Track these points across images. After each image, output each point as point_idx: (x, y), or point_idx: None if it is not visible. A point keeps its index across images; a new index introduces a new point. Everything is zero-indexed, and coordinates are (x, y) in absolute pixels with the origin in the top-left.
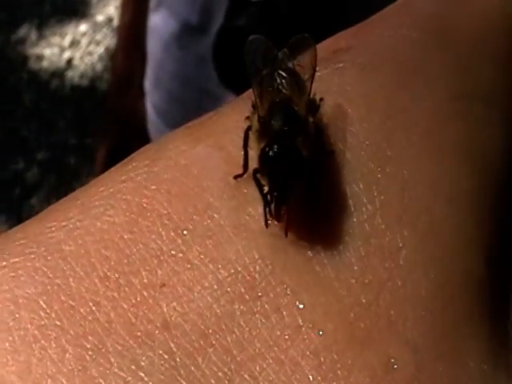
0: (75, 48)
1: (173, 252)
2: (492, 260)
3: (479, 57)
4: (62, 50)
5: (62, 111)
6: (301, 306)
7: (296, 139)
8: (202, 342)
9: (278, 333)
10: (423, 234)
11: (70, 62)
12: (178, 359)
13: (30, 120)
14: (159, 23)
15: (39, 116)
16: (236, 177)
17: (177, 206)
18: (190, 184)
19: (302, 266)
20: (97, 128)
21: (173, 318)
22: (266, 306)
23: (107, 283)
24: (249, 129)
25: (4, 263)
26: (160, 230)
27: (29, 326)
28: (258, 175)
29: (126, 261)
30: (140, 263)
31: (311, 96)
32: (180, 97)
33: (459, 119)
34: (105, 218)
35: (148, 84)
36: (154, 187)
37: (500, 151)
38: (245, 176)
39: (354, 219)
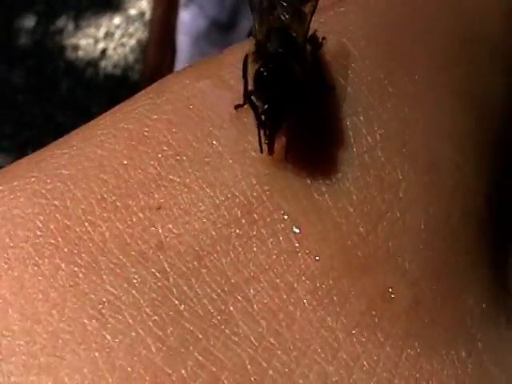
0: (109, 39)
1: (170, 176)
2: (492, 199)
3: (487, 5)
4: (97, 41)
5: (96, 98)
6: (297, 231)
7: (291, 62)
8: (195, 263)
9: (274, 257)
10: (423, 169)
11: (104, 52)
12: (171, 279)
13: (66, 106)
14: (189, 19)
15: (75, 102)
16: (237, 107)
17: (177, 134)
18: (191, 114)
19: (300, 193)
20: None
21: (168, 239)
22: (263, 230)
23: (104, 205)
24: (247, 57)
25: (4, 186)
26: (159, 156)
27: (24, 244)
28: (253, 97)
29: (123, 184)
30: (138, 187)
31: (313, 33)
32: None
33: (463, 62)
34: (105, 146)
35: None
36: (155, 117)
37: (500, 99)
38: (245, 106)
39: (354, 150)
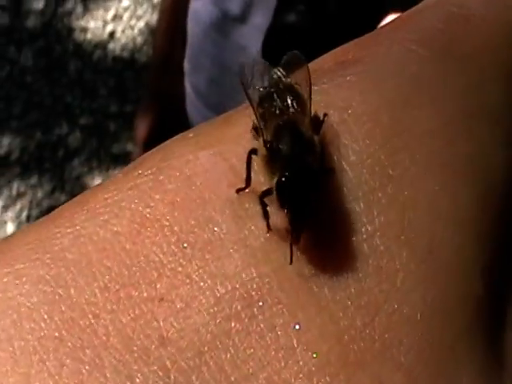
0: (117, 22)
1: (172, 265)
2: (491, 281)
3: (486, 75)
4: (106, 23)
5: (104, 80)
6: (296, 327)
7: (307, 161)
8: (196, 360)
9: (273, 353)
10: (422, 257)
11: (112, 34)
12: (172, 376)
13: (74, 88)
14: (200, 9)
15: (83, 84)
16: (238, 191)
17: (179, 218)
18: (192, 195)
19: (299, 286)
20: (136, 96)
21: (169, 334)
22: (262, 325)
23: (107, 295)
24: (252, 152)
25: (9, 269)
26: (161, 241)
27: (29, 336)
28: (266, 199)
29: (126, 272)
30: (140, 275)
31: (314, 112)
32: (219, 80)
33: (464, 139)
34: (108, 227)
35: (188, 65)
36: (157, 197)
37: (503, 172)
38: (246, 190)
39: (353, 239)
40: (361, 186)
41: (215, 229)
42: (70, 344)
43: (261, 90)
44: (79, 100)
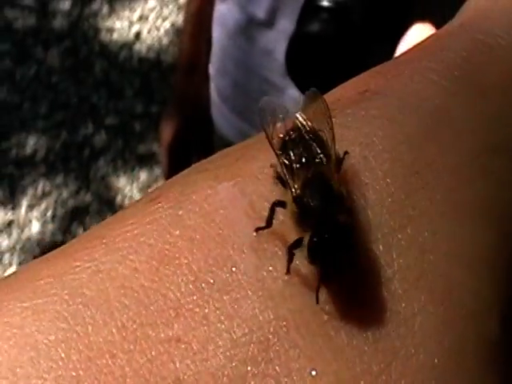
0: (143, 22)
1: (190, 306)
2: (507, 322)
3: (508, 108)
4: (131, 23)
5: (129, 81)
6: (313, 373)
7: (339, 219)
8: None
9: None
10: (439, 300)
11: (138, 35)
12: None
13: (100, 88)
14: (225, 13)
15: (108, 84)
16: (257, 229)
17: (197, 256)
18: (212, 233)
19: (316, 330)
20: (162, 97)
21: (186, 377)
22: (278, 369)
23: (124, 334)
24: (278, 204)
25: (27, 304)
26: (179, 280)
27: (47, 375)
28: (295, 250)
29: (144, 311)
30: (158, 315)
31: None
32: (244, 85)
33: (483, 176)
34: (127, 263)
35: (213, 69)
36: (177, 233)
37: None
38: (265, 230)
39: (372, 283)
40: (380, 226)
41: (233, 269)
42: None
43: (282, 136)
44: (105, 100)
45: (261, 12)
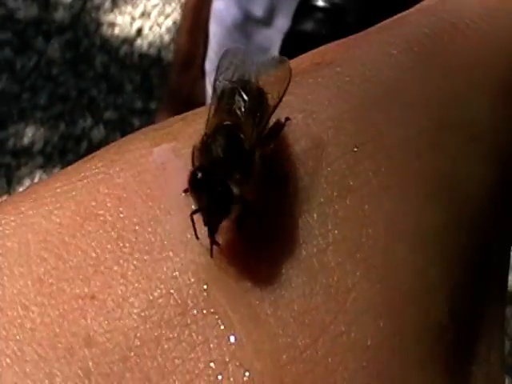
0: (145, 19)
1: (109, 263)
2: (458, 310)
3: (471, 86)
4: (133, 19)
5: (130, 76)
6: (231, 340)
7: (229, 173)
8: (120, 365)
9: (202, 366)
10: (377, 277)
11: (139, 31)
12: (92, 379)
13: (99, 82)
14: (222, 9)
15: (108, 79)
16: (185, 191)
17: (123, 215)
18: (140, 192)
19: (238, 297)
20: (161, 94)
21: (96, 335)
22: (194, 335)
23: (39, 287)
24: (194, 150)
25: None
26: (101, 237)
27: None
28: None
29: (62, 266)
30: (75, 271)
31: (278, 113)
32: None
33: (434, 152)
34: (52, 218)
35: (209, 65)
36: (106, 191)
37: (478, 190)
38: None
39: (303, 252)
40: (317, 196)
41: (158, 229)
42: None
43: (227, 83)
44: (104, 94)
45: (258, 10)
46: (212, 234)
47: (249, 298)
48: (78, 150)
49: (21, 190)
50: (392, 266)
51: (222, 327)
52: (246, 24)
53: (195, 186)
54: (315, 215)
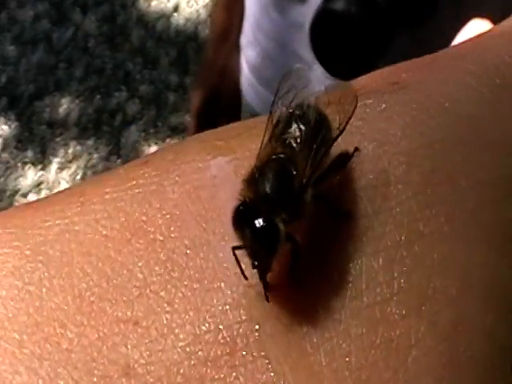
0: None
1: (156, 287)
2: None
3: None
4: None
5: (166, 51)
6: None
7: (276, 211)
8: None
9: None
10: (443, 335)
11: (176, 7)
12: None
13: (135, 56)
14: None
15: (144, 53)
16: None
17: (174, 235)
18: (194, 212)
19: (292, 342)
20: (197, 70)
21: (136, 365)
22: (242, 379)
23: (79, 304)
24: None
25: None
26: (149, 258)
27: None
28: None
29: (105, 284)
30: (119, 291)
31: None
32: (274, 57)
33: (510, 200)
34: (98, 228)
35: (244, 40)
36: (157, 205)
37: None
38: None
39: (364, 299)
40: (384, 238)
41: (210, 256)
42: (27, 351)
43: (284, 109)
44: (140, 68)
45: None
46: (262, 276)
47: (303, 345)
48: (113, 122)
49: (56, 160)
50: (459, 324)
51: (272, 374)
52: (282, 0)
53: (238, 223)
54: (380, 260)
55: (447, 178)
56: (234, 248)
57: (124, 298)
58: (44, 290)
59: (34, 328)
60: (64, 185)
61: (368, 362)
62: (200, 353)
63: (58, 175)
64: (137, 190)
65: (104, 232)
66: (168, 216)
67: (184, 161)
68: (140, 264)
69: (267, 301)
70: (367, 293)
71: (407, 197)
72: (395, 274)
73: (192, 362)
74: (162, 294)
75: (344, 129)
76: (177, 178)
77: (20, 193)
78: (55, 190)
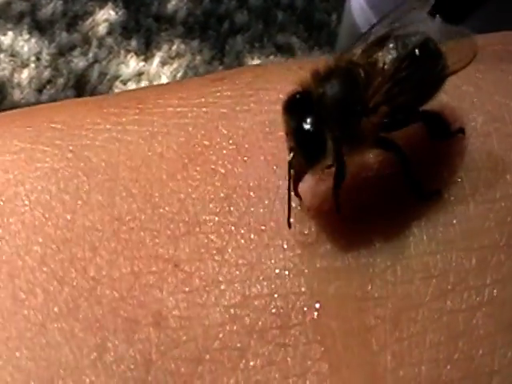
0: None
1: (207, 228)
2: None
3: None
4: None
5: None
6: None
7: (328, 123)
8: (190, 367)
9: None
10: None
11: None
12: (151, 374)
13: None
14: None
15: None
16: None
17: (239, 170)
18: (265, 148)
19: (355, 333)
20: None
21: (169, 316)
22: (290, 361)
23: (117, 229)
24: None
25: (24, 145)
26: (205, 192)
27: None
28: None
29: (150, 211)
30: (165, 223)
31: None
32: None
33: None
34: (154, 144)
35: None
36: (225, 131)
37: None
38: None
39: (448, 303)
40: (480, 234)
41: (276, 205)
42: (48, 270)
43: (388, 30)
44: None
45: None
46: (293, 184)
47: (368, 340)
48: (219, 29)
49: (159, 54)
50: None
51: (326, 366)
52: None
53: (288, 111)
54: (474, 260)
55: None
56: (290, 188)
57: (168, 233)
58: (80, 202)
59: (60, 245)
60: (164, 79)
61: (440, 380)
62: (246, 319)
63: (160, 69)
64: (204, 109)
65: (159, 150)
66: (235, 146)
67: (263, 87)
68: (194, 196)
69: (289, 226)
70: (452, 296)
71: None
72: (488, 281)
73: (235, 327)
74: (213, 237)
75: (444, 78)
76: (252, 105)
77: (120, 79)
78: (155, 83)
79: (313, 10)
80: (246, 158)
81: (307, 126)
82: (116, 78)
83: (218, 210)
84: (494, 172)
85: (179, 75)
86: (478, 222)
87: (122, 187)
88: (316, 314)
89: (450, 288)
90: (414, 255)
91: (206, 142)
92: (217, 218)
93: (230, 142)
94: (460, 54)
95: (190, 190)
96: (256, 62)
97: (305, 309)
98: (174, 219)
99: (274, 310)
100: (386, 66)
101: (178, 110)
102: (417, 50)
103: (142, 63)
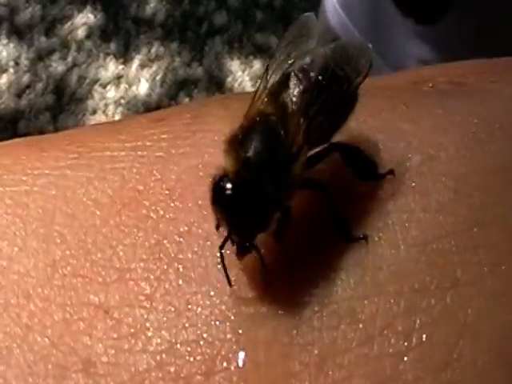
0: None
1: (137, 275)
2: None
3: None
4: None
5: None
6: None
7: (264, 178)
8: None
9: None
10: None
11: None
12: None
13: None
14: None
15: None
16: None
17: (170, 215)
18: (198, 193)
19: (280, 379)
20: None
21: (97, 363)
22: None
23: (50, 275)
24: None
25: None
26: (137, 238)
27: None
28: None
29: (83, 258)
30: (96, 270)
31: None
32: None
33: None
34: (89, 189)
35: None
36: (159, 176)
37: None
38: None
39: (375, 348)
40: (410, 277)
41: (205, 251)
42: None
43: (290, 62)
44: None
45: None
46: (242, 251)
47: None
48: (198, 30)
49: (138, 57)
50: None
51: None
52: None
53: (217, 201)
54: (402, 303)
55: (500, 220)
56: (222, 247)
57: (100, 279)
58: (16, 249)
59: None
60: (144, 83)
61: None
62: (172, 365)
63: (139, 72)
64: (140, 153)
65: (94, 195)
66: (167, 192)
67: (200, 129)
68: (125, 242)
69: (229, 285)
70: (380, 340)
71: (447, 232)
72: (417, 325)
73: (160, 375)
74: (143, 284)
75: (353, 96)
76: (187, 148)
77: (99, 83)
78: (134, 87)
79: (292, 9)
80: (177, 203)
81: (246, 210)
82: (95, 81)
83: (148, 257)
84: (427, 213)
85: (158, 78)
86: (408, 265)
87: (57, 234)
88: (241, 360)
89: (377, 333)
90: (341, 300)
91: (140, 187)
92: (147, 265)
93: (164, 186)
94: (358, 68)
95: (121, 236)
96: (236, 62)
97: (230, 355)
98: (105, 266)
99: (199, 357)
100: (297, 106)
101: (115, 153)
102: (320, 77)
103: (121, 66)
